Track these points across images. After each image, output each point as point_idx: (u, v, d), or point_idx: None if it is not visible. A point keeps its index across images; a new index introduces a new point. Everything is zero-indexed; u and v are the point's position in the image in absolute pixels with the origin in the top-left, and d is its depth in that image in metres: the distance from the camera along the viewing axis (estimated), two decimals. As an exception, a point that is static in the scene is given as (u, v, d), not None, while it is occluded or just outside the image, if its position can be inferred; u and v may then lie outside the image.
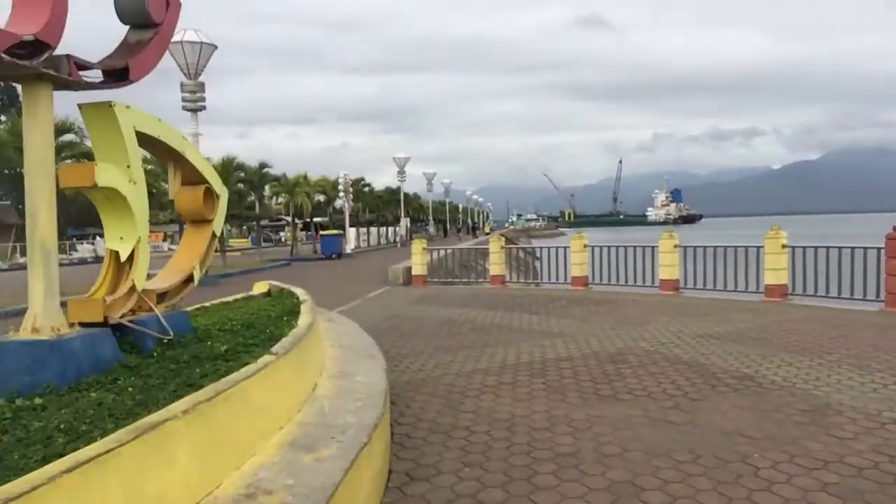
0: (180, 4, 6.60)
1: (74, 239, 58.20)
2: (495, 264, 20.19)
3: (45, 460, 2.93)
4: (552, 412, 6.54)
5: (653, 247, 17.24)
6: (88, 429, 3.42)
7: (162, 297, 6.50)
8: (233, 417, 3.79)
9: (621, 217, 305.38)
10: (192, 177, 7.16)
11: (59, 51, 5.07)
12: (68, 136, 23.39)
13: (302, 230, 62.98)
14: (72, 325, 5.29)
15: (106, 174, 5.55)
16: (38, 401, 4.15)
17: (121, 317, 5.63)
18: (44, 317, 4.93)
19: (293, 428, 4.45)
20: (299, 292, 8.93)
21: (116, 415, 3.67)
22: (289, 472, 3.71)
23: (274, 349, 4.92)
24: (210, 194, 7.34)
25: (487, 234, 37.44)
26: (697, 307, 13.79)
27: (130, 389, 4.31)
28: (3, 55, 4.45)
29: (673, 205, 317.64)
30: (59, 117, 22.54)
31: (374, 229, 68.78)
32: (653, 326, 11.36)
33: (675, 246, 16.62)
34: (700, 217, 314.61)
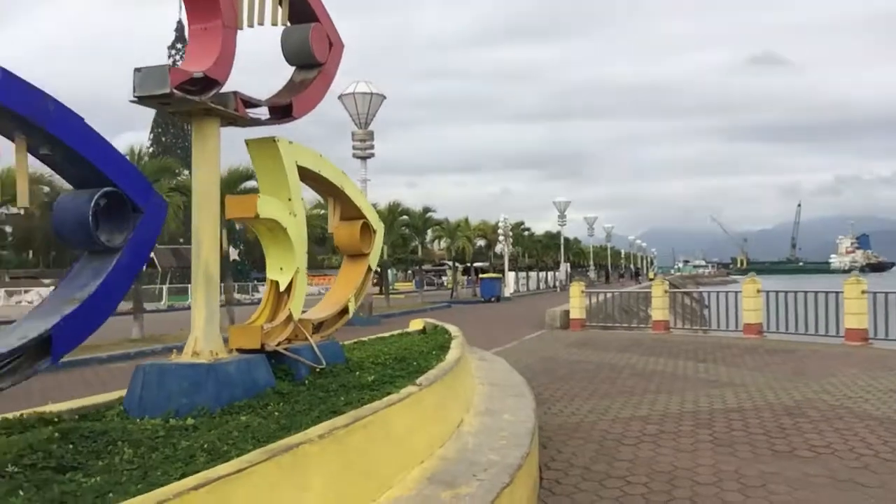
0: (343, 45, 6.84)
1: (256, 281, 62.31)
2: (658, 309, 19.25)
3: (184, 478, 2.94)
4: (719, 466, 5.95)
5: (837, 293, 15.72)
6: (228, 449, 3.44)
7: (318, 327, 6.63)
8: (371, 446, 3.68)
9: (800, 264, 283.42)
10: (351, 212, 7.33)
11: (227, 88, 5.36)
12: (251, 183, 25.16)
13: (463, 274, 63.82)
14: (230, 350, 5.47)
15: (267, 206, 5.76)
16: (190, 421, 4.27)
17: (277, 344, 5.77)
18: (204, 341, 5.12)
19: (434, 462, 4.29)
20: (452, 329, 8.86)
21: (258, 437, 3.68)
22: (425, 508, 3.53)
23: (418, 381, 4.81)
24: (367, 229, 7.48)
25: (651, 279, 36.10)
26: (891, 359, 12.31)
27: (277, 414, 4.35)
28: (175, 90, 4.74)
29: (859, 251, 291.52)
30: (244, 165, 24.25)
31: (533, 274, 68.39)
32: (837, 379, 10.23)
33: (863, 292, 15.05)
34: (891, 265, 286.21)
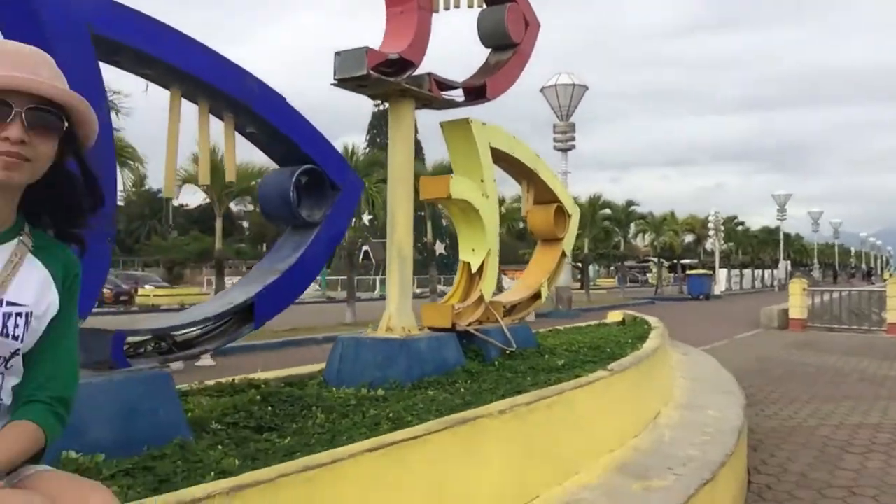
0: (539, 24, 6.68)
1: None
2: (895, 310, 17.14)
3: (365, 442, 2.95)
4: (970, 486, 5.09)
5: None
6: (412, 419, 3.42)
7: (509, 311, 6.55)
8: (554, 427, 3.51)
9: None
10: (545, 195, 7.17)
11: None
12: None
13: (669, 271, 61.19)
14: (422, 328, 5.55)
15: (460, 186, 5.76)
16: (381, 392, 4.35)
17: (468, 325, 5.76)
18: (397, 317, 5.22)
19: (626, 452, 4.03)
20: (652, 320, 8.43)
21: (442, 410, 3.64)
22: (612, 498, 3.30)
23: (610, 366, 4.56)
24: (561, 213, 7.28)
25: (886, 280, 32.03)
26: None
27: (463, 391, 4.31)
28: (371, 72, 4.85)
29: None
30: (446, 160, 24.97)
31: (747, 271, 63.97)
32: None
33: None
34: None
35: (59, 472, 1.49)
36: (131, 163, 18.26)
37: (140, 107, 13.61)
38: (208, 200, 22.23)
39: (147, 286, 36.93)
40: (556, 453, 3.51)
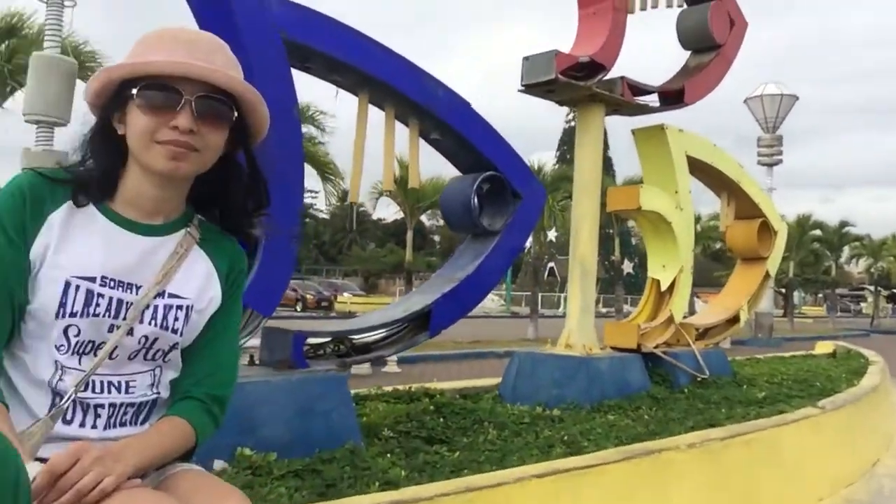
0: (746, 23, 6.18)
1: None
2: None
3: (537, 464, 2.75)
4: None
5: None
6: (588, 445, 3.18)
7: (702, 334, 6.06)
8: (753, 468, 3.10)
9: None
10: (747, 210, 6.59)
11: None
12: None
13: (888, 301, 55.15)
14: (604, 347, 5.24)
15: (651, 198, 5.41)
16: (556, 412, 4.13)
17: (655, 346, 5.37)
18: (577, 334, 4.97)
19: (837, 503, 3.49)
20: (869, 354, 7.49)
21: (622, 438, 3.35)
22: (822, 556, 2.84)
23: (820, 403, 4.02)
24: (766, 229, 6.66)
25: None
26: None
27: (647, 418, 3.98)
28: (560, 76, 4.65)
29: None
30: (638, 176, 24.11)
31: None
32: None
33: None
34: None
35: (202, 472, 1.43)
36: (333, 178, 19.26)
37: (342, 128, 14.37)
38: (402, 215, 23.04)
39: (345, 294, 39.02)
40: (754, 498, 3.10)
